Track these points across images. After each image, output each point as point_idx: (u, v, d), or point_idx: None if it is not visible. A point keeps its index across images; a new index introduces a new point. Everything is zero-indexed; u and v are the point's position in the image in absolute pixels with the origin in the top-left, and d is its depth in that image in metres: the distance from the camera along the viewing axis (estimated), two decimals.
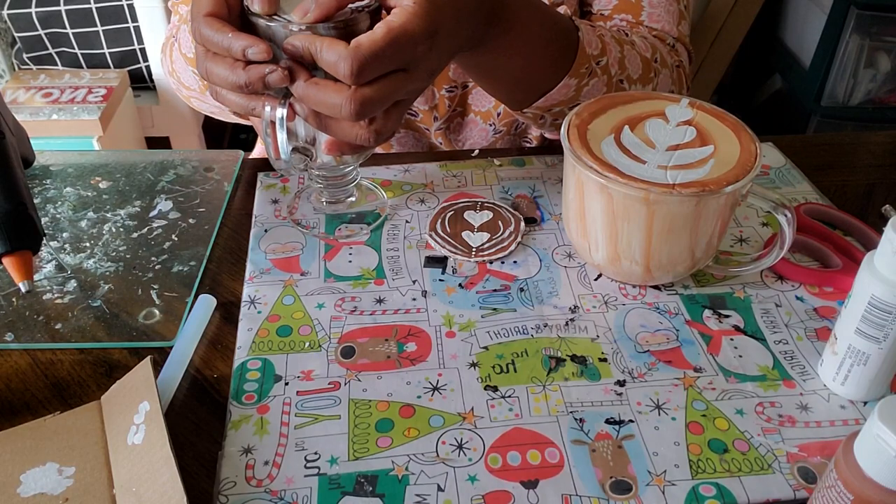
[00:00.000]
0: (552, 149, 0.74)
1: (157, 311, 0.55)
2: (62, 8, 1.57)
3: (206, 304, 0.55)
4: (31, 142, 0.69)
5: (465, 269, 0.59)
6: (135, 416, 0.45)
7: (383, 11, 0.49)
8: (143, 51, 1.64)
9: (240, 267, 0.59)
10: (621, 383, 0.50)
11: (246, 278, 0.58)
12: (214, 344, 0.53)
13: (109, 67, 1.66)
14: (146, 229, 0.63)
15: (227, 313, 0.55)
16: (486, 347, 0.52)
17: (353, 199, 0.65)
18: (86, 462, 0.44)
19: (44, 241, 0.54)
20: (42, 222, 0.53)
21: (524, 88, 0.61)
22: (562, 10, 0.63)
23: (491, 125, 0.79)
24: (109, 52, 1.64)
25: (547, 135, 0.79)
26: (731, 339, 0.53)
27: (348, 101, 0.45)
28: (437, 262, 0.59)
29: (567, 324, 0.54)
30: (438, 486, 0.43)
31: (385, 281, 0.57)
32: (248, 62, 0.46)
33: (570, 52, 0.60)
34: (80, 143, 1.51)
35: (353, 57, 0.43)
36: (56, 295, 0.56)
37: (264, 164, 0.71)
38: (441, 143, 0.80)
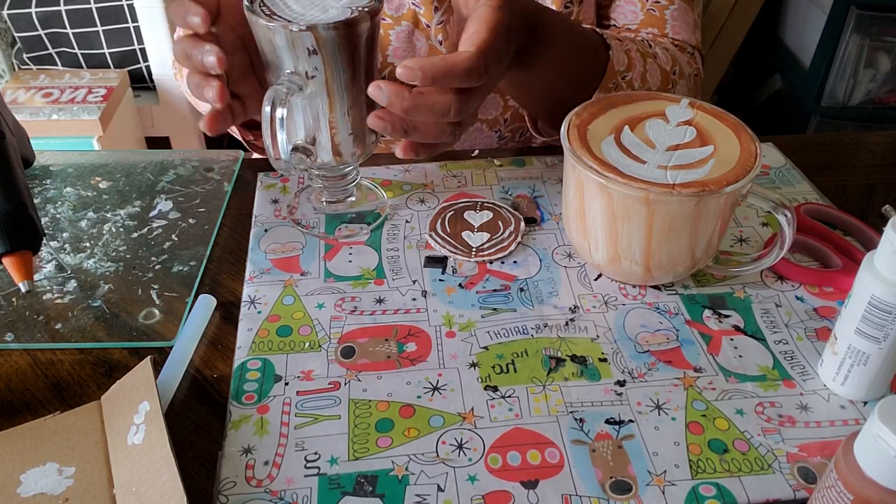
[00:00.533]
0: (552, 149, 0.74)
1: (157, 311, 0.55)
2: (62, 8, 1.57)
3: (206, 304, 0.55)
4: (31, 142, 0.69)
5: (465, 269, 0.59)
6: (135, 416, 0.45)
7: (384, 9, 0.49)
8: (143, 51, 1.64)
9: (240, 267, 0.59)
10: (621, 383, 0.50)
11: (246, 278, 0.58)
12: (214, 344, 0.53)
13: (109, 67, 1.66)
14: (146, 229, 0.63)
15: (227, 313, 0.55)
16: (486, 347, 0.52)
17: (353, 198, 0.65)
18: (86, 462, 0.44)
19: (44, 241, 0.54)
20: (42, 222, 0.53)
21: (557, 103, 0.63)
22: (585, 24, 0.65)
23: (496, 132, 0.79)
24: (109, 52, 1.64)
25: None
26: (731, 339, 0.53)
27: (456, 102, 0.49)
28: (437, 261, 0.59)
29: (567, 324, 0.54)
30: (438, 486, 0.43)
31: (385, 281, 0.57)
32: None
33: (600, 69, 0.63)
34: (80, 143, 1.51)
35: (481, 56, 0.48)
36: (56, 295, 0.56)
37: (264, 164, 0.71)
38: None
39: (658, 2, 0.74)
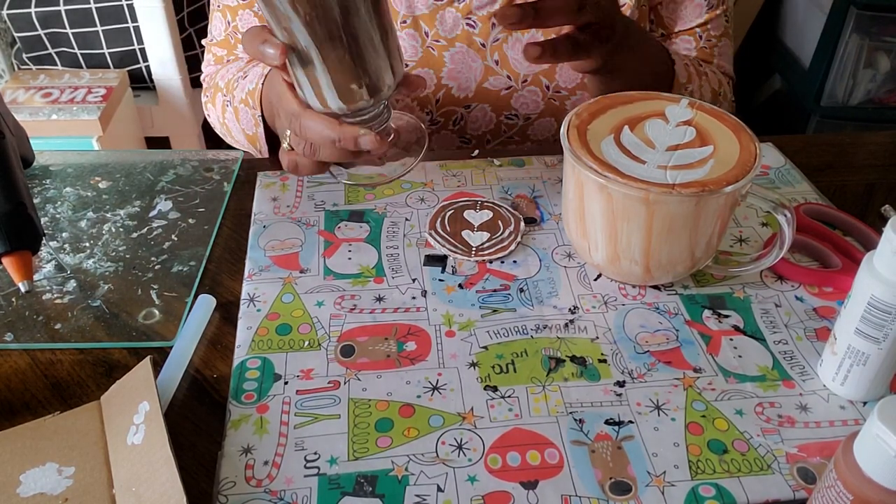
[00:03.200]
0: (552, 149, 0.74)
1: (156, 311, 0.55)
2: (62, 8, 1.57)
3: (205, 304, 0.55)
4: (31, 142, 0.69)
5: (464, 269, 0.59)
6: (134, 416, 0.45)
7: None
8: (142, 51, 1.64)
9: (239, 267, 0.59)
10: (621, 384, 0.50)
11: (245, 276, 0.58)
12: (214, 344, 0.53)
13: (109, 67, 1.66)
14: (146, 229, 0.63)
15: (227, 313, 0.55)
16: (485, 347, 0.52)
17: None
18: (85, 462, 0.44)
19: (44, 241, 0.54)
20: (42, 222, 0.53)
21: None
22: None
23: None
24: (109, 52, 1.64)
25: None
26: (731, 340, 0.53)
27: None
28: (437, 260, 0.59)
29: (567, 324, 0.54)
30: (438, 486, 0.43)
31: (384, 279, 0.57)
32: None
33: (668, 79, 0.70)
34: (79, 143, 1.50)
35: None
36: (56, 295, 0.56)
37: (264, 164, 0.71)
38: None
39: (710, 40, 0.81)
